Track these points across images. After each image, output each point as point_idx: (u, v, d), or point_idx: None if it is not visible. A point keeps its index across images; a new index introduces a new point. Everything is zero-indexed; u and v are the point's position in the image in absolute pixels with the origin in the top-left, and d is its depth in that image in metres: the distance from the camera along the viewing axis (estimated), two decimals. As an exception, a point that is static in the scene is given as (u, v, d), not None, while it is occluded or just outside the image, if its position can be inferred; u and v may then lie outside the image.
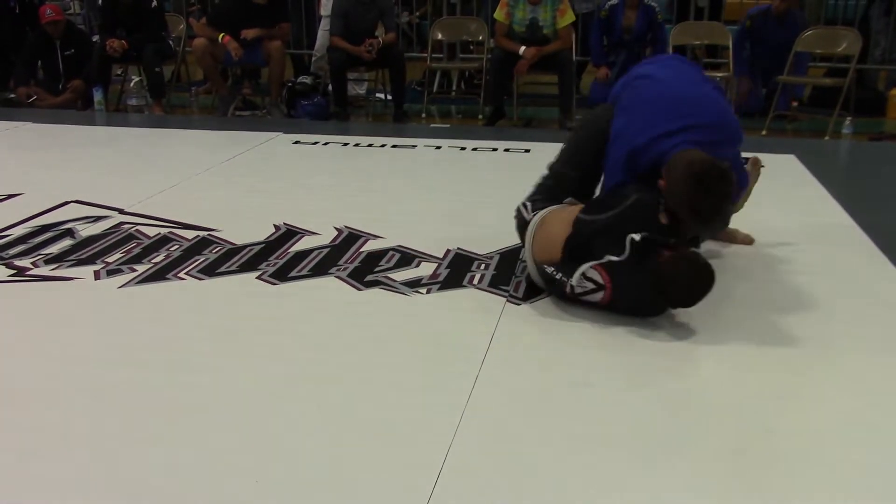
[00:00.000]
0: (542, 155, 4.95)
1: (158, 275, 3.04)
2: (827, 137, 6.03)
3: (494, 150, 5.23)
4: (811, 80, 6.96)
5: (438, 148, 5.29)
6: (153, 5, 6.87)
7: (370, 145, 5.37)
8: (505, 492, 1.79)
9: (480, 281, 2.98)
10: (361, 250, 3.28)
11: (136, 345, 2.50)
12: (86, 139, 5.62)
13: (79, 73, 6.97)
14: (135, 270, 3.07)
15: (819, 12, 7.27)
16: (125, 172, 4.62)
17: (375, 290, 2.91)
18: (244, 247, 3.31)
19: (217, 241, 3.39)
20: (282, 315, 2.72)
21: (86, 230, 3.53)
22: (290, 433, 2.02)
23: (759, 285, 2.93)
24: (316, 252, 3.26)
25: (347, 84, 6.89)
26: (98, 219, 3.68)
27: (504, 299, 2.81)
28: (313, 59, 7.49)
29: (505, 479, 1.84)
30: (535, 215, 2.84)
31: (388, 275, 3.03)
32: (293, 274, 3.05)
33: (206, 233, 3.47)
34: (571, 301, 2.67)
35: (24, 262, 3.16)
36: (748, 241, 3.32)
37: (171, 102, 7.17)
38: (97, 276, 3.03)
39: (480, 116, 6.81)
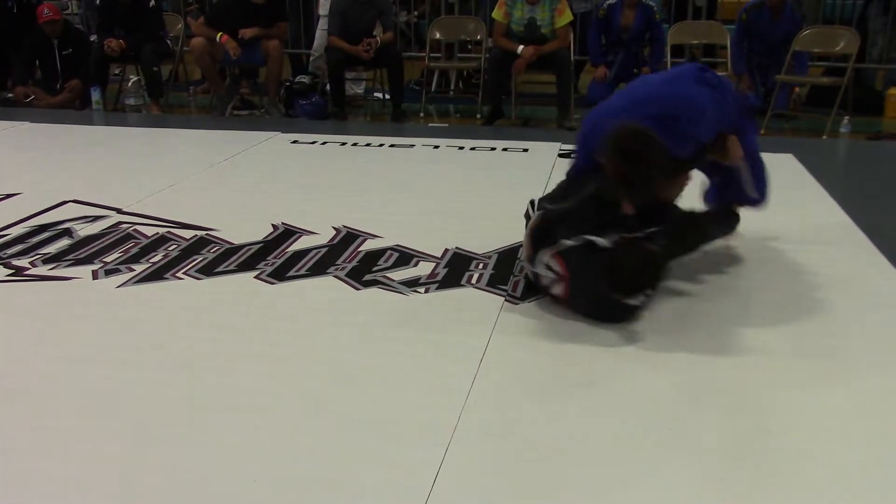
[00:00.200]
0: (541, 154, 4.99)
1: (156, 274, 3.04)
2: (825, 137, 6.04)
3: (493, 149, 5.23)
4: (809, 79, 6.96)
5: (437, 147, 5.29)
6: (151, 5, 6.86)
7: (368, 145, 5.37)
8: (503, 491, 1.80)
9: (479, 280, 2.98)
10: (360, 250, 3.28)
11: (134, 344, 2.50)
12: (84, 139, 5.61)
13: (76, 72, 6.96)
14: (133, 270, 3.07)
15: (817, 12, 7.27)
16: (123, 172, 4.61)
17: (374, 290, 2.91)
18: (242, 246, 3.31)
19: (215, 240, 3.39)
20: (280, 315, 2.72)
21: (84, 230, 3.53)
22: (289, 432, 2.02)
23: (757, 284, 2.93)
24: (314, 251, 3.26)
25: (345, 83, 6.89)
26: (96, 218, 3.68)
27: (502, 299, 2.81)
28: (311, 58, 7.48)
29: (503, 477, 1.84)
30: (536, 214, 2.84)
31: (387, 274, 3.03)
32: (291, 273, 3.05)
33: (204, 232, 3.47)
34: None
35: (23, 262, 3.15)
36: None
37: (168, 102, 7.17)
38: (95, 275, 3.03)
39: (479, 116, 6.81)
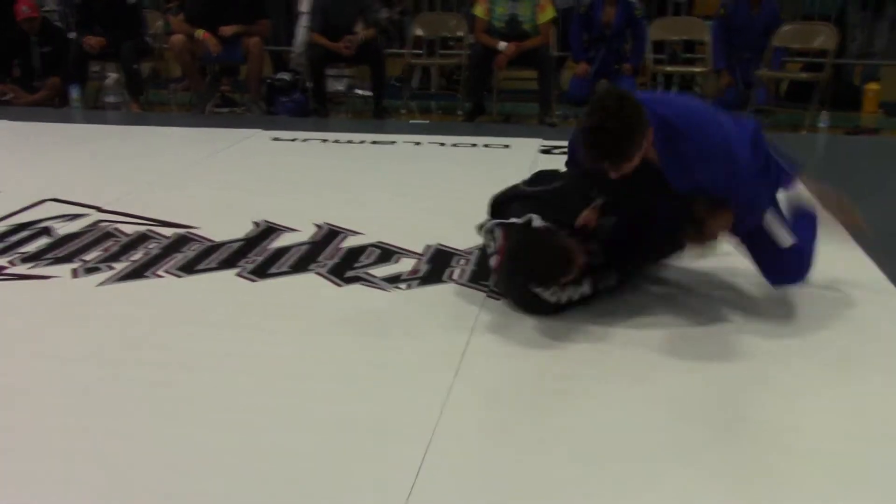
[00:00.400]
0: (522, 150, 4.99)
1: (137, 272, 3.02)
2: (803, 131, 6.08)
3: (474, 145, 5.24)
4: (788, 74, 7.01)
5: (418, 144, 5.29)
6: (130, 2, 6.81)
7: (350, 141, 5.36)
8: (485, 488, 1.80)
9: (460, 276, 2.98)
10: (341, 246, 3.28)
11: (115, 343, 2.49)
12: (63, 137, 5.57)
13: (55, 70, 6.90)
14: (113, 268, 3.05)
15: (796, 7, 7.31)
16: (103, 170, 4.59)
17: (355, 286, 2.91)
18: (223, 244, 3.30)
19: (196, 238, 3.37)
20: (261, 312, 2.71)
21: (63, 228, 3.51)
22: (270, 430, 2.02)
23: (738, 281, 2.93)
24: (295, 249, 3.26)
25: (327, 80, 6.87)
26: (75, 217, 3.65)
27: (484, 295, 2.81)
28: (292, 55, 7.46)
29: (485, 475, 1.85)
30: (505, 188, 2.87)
31: (368, 271, 3.03)
32: (273, 271, 3.04)
33: (184, 230, 3.46)
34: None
35: (1, 261, 3.13)
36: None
37: (149, 100, 7.12)
38: (75, 274, 3.01)
39: (460, 112, 6.81)
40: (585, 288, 2.59)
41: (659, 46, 7.06)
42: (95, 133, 5.77)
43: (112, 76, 7.09)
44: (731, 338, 2.50)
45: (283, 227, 3.50)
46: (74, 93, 6.72)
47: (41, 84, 6.94)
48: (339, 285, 2.92)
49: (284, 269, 3.06)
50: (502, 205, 2.69)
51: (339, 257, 3.16)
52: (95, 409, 2.12)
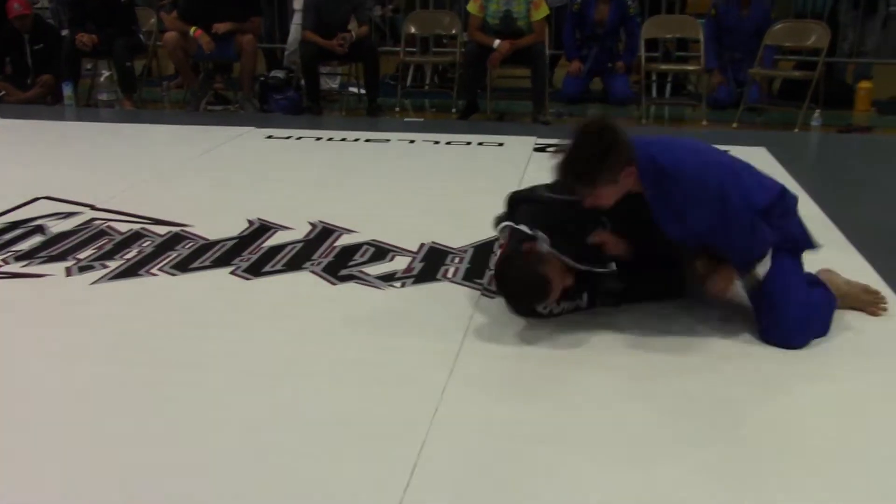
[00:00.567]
0: (516, 149, 5.00)
1: (131, 271, 3.02)
2: (796, 130, 6.10)
3: (468, 143, 5.24)
4: (781, 72, 7.02)
5: (412, 142, 5.29)
6: (123, -1, 6.81)
7: (343, 139, 5.36)
8: (480, 486, 1.80)
9: (454, 275, 2.98)
10: (335, 245, 3.28)
11: (109, 342, 2.49)
12: (56, 135, 5.56)
13: (48, 67, 6.88)
14: (107, 267, 3.05)
15: (788, 6, 7.33)
16: (96, 168, 4.58)
17: (349, 285, 2.91)
18: (217, 242, 3.30)
19: (190, 236, 3.37)
20: (255, 311, 2.71)
21: (57, 226, 3.50)
22: (264, 428, 2.02)
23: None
24: (290, 247, 3.26)
25: (320, 78, 6.86)
26: (69, 215, 3.65)
27: (478, 293, 2.82)
28: (286, 53, 7.45)
29: (480, 473, 1.85)
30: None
31: (363, 269, 3.04)
32: (267, 269, 3.04)
33: (178, 228, 3.45)
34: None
35: (-6, 260, 3.13)
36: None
37: (142, 97, 7.10)
38: (69, 272, 3.01)
39: (454, 110, 6.81)
40: (582, 302, 2.59)
41: (652, 44, 7.07)
42: (88, 131, 5.75)
43: (105, 73, 7.07)
44: (729, 339, 2.49)
45: (277, 225, 3.50)
46: (67, 90, 6.70)
47: (34, 81, 6.92)
48: (333, 284, 2.92)
49: (278, 267, 3.06)
50: (517, 203, 2.66)
51: (333, 255, 3.16)
52: (90, 407, 2.12)
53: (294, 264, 3.08)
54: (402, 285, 2.90)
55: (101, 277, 2.96)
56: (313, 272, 3.01)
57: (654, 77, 7.10)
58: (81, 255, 3.16)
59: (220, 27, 6.44)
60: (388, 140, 5.33)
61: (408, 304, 2.76)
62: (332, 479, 1.82)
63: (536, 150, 4.88)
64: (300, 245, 3.28)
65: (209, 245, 3.27)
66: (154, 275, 2.99)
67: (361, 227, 3.44)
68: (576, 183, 2.30)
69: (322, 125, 6.07)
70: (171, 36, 6.50)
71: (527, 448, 1.94)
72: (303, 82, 6.75)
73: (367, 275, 2.98)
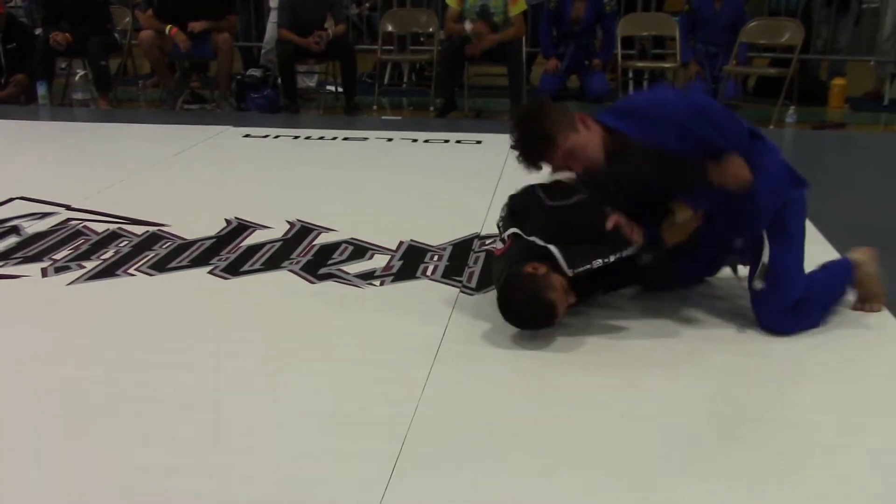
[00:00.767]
0: (494, 146, 5.00)
1: (108, 271, 3.00)
2: (771, 126, 6.15)
3: (446, 141, 5.25)
4: (756, 69, 7.08)
5: (390, 140, 5.29)
6: (98, -3, 6.75)
7: (321, 138, 5.35)
8: (460, 483, 1.81)
9: (434, 272, 2.99)
10: (314, 243, 3.27)
11: (86, 342, 2.47)
12: (30, 134, 5.51)
13: (21, 66, 6.81)
14: (83, 267, 3.03)
15: (762, 3, 7.39)
16: (72, 168, 4.54)
17: (328, 283, 2.91)
18: (195, 242, 3.29)
19: (167, 236, 3.35)
20: (234, 310, 2.70)
21: (32, 227, 3.47)
22: (244, 426, 2.02)
23: (719, 281, 2.93)
24: (268, 246, 3.25)
25: (298, 76, 6.84)
26: (44, 215, 3.61)
27: (457, 290, 2.82)
28: (262, 51, 7.42)
29: (460, 470, 1.85)
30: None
31: (342, 267, 3.03)
32: (245, 268, 3.03)
33: (155, 228, 3.44)
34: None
35: (-31, 261, 3.10)
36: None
37: (117, 96, 7.05)
38: (45, 273, 2.99)
39: (432, 108, 6.81)
40: (570, 299, 2.59)
41: (628, 42, 7.11)
42: (63, 130, 5.70)
43: (80, 73, 7.01)
44: (714, 336, 2.51)
45: (256, 224, 3.49)
46: (41, 90, 6.64)
47: (7, 81, 6.84)
48: (312, 282, 2.91)
49: (257, 266, 3.05)
50: (520, 212, 2.57)
51: (311, 254, 3.16)
52: (65, 408, 2.11)
53: (273, 263, 3.08)
54: (382, 283, 2.90)
55: (78, 278, 2.94)
56: (292, 271, 3.01)
57: (630, 74, 7.14)
58: (58, 256, 3.14)
59: (196, 26, 6.41)
60: (366, 138, 5.33)
61: (387, 303, 2.76)
62: (313, 475, 1.82)
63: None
64: (279, 244, 3.27)
65: (187, 245, 3.26)
66: (131, 275, 2.97)
67: (340, 226, 3.44)
68: (540, 151, 2.41)
69: (299, 124, 6.06)
70: (147, 34, 6.46)
71: (507, 443, 1.94)
72: (280, 81, 6.73)
73: (347, 273, 2.98)
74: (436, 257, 3.13)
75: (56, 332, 2.55)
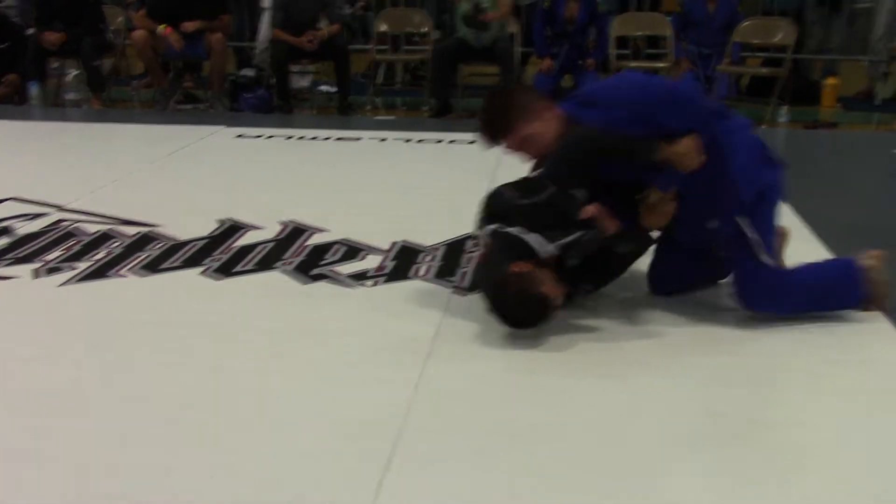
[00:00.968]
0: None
1: (99, 272, 2.99)
2: (764, 126, 6.16)
3: (440, 141, 5.25)
4: (749, 69, 7.10)
5: (384, 140, 5.29)
6: (90, -3, 6.74)
7: (315, 138, 5.35)
8: (453, 484, 1.81)
9: (426, 273, 2.99)
10: (307, 244, 3.27)
11: (77, 344, 2.47)
12: (22, 135, 5.50)
13: (14, 67, 6.80)
14: (75, 269, 3.02)
15: (756, 3, 7.41)
16: (64, 168, 4.53)
17: (321, 284, 2.90)
18: (187, 242, 3.28)
19: (159, 237, 3.35)
20: (226, 311, 2.70)
21: (23, 228, 3.46)
22: (236, 427, 2.01)
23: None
24: (261, 247, 3.24)
25: (291, 77, 6.84)
26: (36, 216, 3.60)
27: (450, 291, 2.82)
28: (256, 51, 7.42)
29: (453, 471, 1.85)
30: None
31: (334, 268, 3.03)
32: (238, 269, 3.03)
33: (147, 229, 3.43)
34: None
35: (-40, 262, 3.09)
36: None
37: (110, 96, 7.04)
38: (36, 274, 2.98)
39: (425, 108, 6.81)
40: (561, 290, 2.58)
41: (622, 42, 7.11)
42: (56, 131, 5.70)
43: (73, 73, 7.00)
44: (701, 334, 2.51)
45: (248, 224, 3.48)
46: (34, 90, 6.63)
47: (-1, 81, 6.84)
48: (304, 283, 2.91)
49: (249, 267, 3.05)
50: (498, 212, 2.57)
51: (304, 255, 3.16)
52: (58, 409, 2.10)
53: (265, 264, 3.07)
54: (374, 284, 2.90)
55: (70, 279, 2.93)
56: (284, 272, 3.00)
57: (624, 74, 7.14)
58: (49, 257, 3.13)
59: (189, 26, 6.40)
60: (359, 139, 5.32)
61: (379, 303, 2.76)
62: (306, 476, 1.82)
63: (508, 147, 4.89)
64: (271, 245, 3.27)
65: (179, 245, 3.25)
66: (123, 276, 2.96)
67: (333, 226, 3.43)
68: (497, 132, 2.56)
69: (293, 124, 6.06)
70: (140, 34, 6.45)
71: (498, 445, 1.94)
72: (273, 81, 6.73)
73: (339, 274, 2.98)
74: (429, 258, 3.13)
75: (47, 333, 2.54)
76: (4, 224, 3.50)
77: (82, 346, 2.46)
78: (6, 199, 3.83)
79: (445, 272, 2.98)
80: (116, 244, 3.26)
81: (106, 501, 1.75)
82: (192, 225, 3.45)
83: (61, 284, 2.89)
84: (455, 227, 3.33)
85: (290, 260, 3.11)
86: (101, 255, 3.15)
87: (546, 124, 2.51)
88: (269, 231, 3.41)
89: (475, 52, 6.43)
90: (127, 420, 2.05)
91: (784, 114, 6.19)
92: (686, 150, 2.38)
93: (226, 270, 3.01)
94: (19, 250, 3.20)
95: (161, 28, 6.37)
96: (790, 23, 6.69)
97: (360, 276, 2.95)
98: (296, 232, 3.40)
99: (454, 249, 3.19)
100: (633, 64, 7.18)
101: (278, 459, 1.88)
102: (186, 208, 3.73)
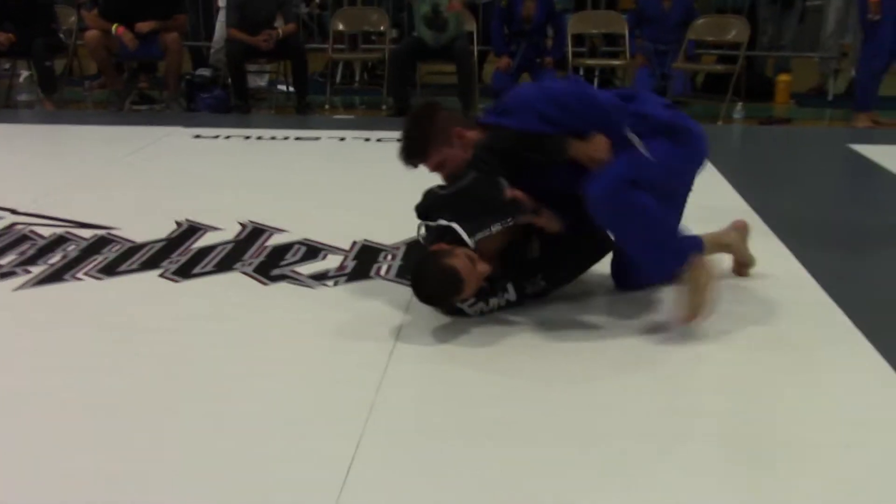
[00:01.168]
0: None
1: (55, 276, 2.95)
2: (719, 122, 6.25)
3: (399, 140, 5.22)
4: (704, 66, 7.19)
5: (343, 139, 5.27)
6: (41, -3, 6.62)
7: (273, 138, 5.31)
8: (416, 485, 1.81)
9: (387, 272, 2.99)
10: (266, 245, 3.25)
11: (34, 349, 2.43)
12: (-27, 137, 5.39)
13: (-37, 68, 6.68)
14: (30, 272, 2.97)
15: (710, 1, 7.51)
16: (17, 171, 4.46)
17: (281, 285, 2.89)
18: (145, 244, 3.24)
19: (116, 239, 3.30)
20: (186, 313, 2.67)
21: (-24, 232, 3.40)
22: (197, 431, 2.00)
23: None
24: (220, 248, 3.22)
25: (248, 76, 6.79)
26: (-11, 220, 3.54)
27: (411, 289, 2.82)
28: (212, 51, 7.35)
29: (416, 472, 1.85)
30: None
31: (294, 268, 3.02)
32: (197, 271, 3.00)
33: (104, 231, 3.38)
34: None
35: (-90, 268, 3.02)
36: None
37: (63, 97, 6.92)
38: (-10, 279, 2.93)
39: (384, 107, 6.80)
40: (510, 294, 2.60)
41: (579, 40, 7.16)
42: (8, 133, 5.59)
43: (24, 74, 6.88)
44: (660, 334, 2.52)
45: (207, 226, 3.45)
46: (-17, 91, 6.51)
47: (-52, 83, 6.70)
48: (264, 284, 2.89)
49: (208, 269, 3.02)
50: (432, 210, 2.62)
51: (264, 256, 3.14)
52: (13, 414, 2.07)
53: (224, 265, 3.05)
54: (335, 284, 2.90)
55: (25, 283, 2.88)
56: (244, 273, 2.98)
57: (581, 72, 7.19)
58: (3, 261, 3.08)
59: (144, 26, 6.31)
60: (318, 138, 5.30)
61: (341, 303, 2.75)
62: (268, 478, 1.81)
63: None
64: (230, 246, 3.24)
65: (136, 248, 3.21)
66: (80, 279, 2.92)
67: (293, 227, 3.42)
68: (414, 157, 2.69)
69: (251, 124, 6.01)
70: (93, 34, 6.35)
71: (463, 443, 1.95)
72: (230, 80, 6.67)
73: (300, 274, 2.97)
74: (389, 257, 3.13)
75: (8, 338, 2.50)
76: (-44, 228, 3.44)
77: (37, 351, 2.42)
78: (-43, 203, 3.76)
79: (407, 271, 2.97)
80: (72, 247, 3.22)
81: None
82: (150, 227, 3.41)
83: (16, 289, 2.84)
84: (415, 225, 3.31)
85: (249, 261, 3.09)
86: (56, 258, 3.10)
87: (455, 151, 2.61)
88: (228, 232, 3.38)
89: (433, 51, 6.43)
90: (83, 424, 2.02)
91: (739, 110, 6.27)
92: (595, 148, 2.47)
93: (185, 272, 2.98)
94: (-28, 255, 3.14)
95: (114, 27, 6.28)
96: (743, 20, 6.79)
97: (321, 277, 2.95)
98: (255, 233, 3.38)
99: (415, 248, 3.18)
100: (590, 61, 7.24)
101: (240, 460, 1.87)
102: (144, 210, 3.69)
